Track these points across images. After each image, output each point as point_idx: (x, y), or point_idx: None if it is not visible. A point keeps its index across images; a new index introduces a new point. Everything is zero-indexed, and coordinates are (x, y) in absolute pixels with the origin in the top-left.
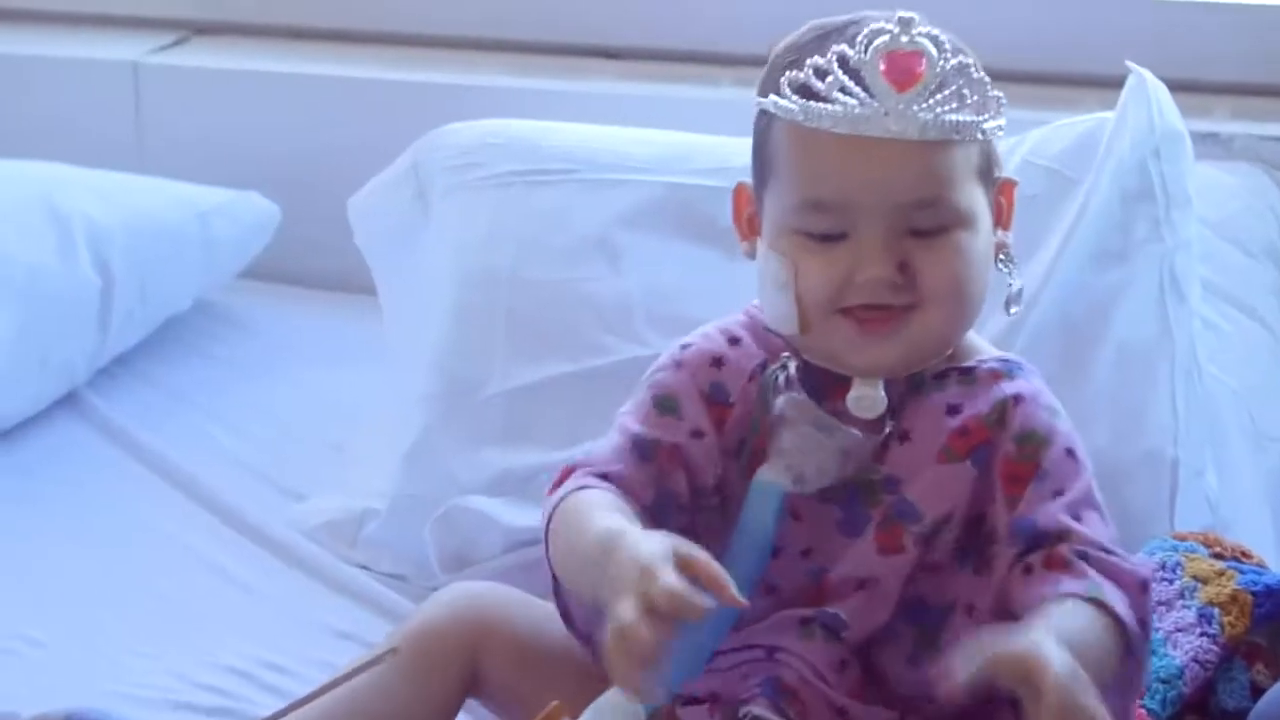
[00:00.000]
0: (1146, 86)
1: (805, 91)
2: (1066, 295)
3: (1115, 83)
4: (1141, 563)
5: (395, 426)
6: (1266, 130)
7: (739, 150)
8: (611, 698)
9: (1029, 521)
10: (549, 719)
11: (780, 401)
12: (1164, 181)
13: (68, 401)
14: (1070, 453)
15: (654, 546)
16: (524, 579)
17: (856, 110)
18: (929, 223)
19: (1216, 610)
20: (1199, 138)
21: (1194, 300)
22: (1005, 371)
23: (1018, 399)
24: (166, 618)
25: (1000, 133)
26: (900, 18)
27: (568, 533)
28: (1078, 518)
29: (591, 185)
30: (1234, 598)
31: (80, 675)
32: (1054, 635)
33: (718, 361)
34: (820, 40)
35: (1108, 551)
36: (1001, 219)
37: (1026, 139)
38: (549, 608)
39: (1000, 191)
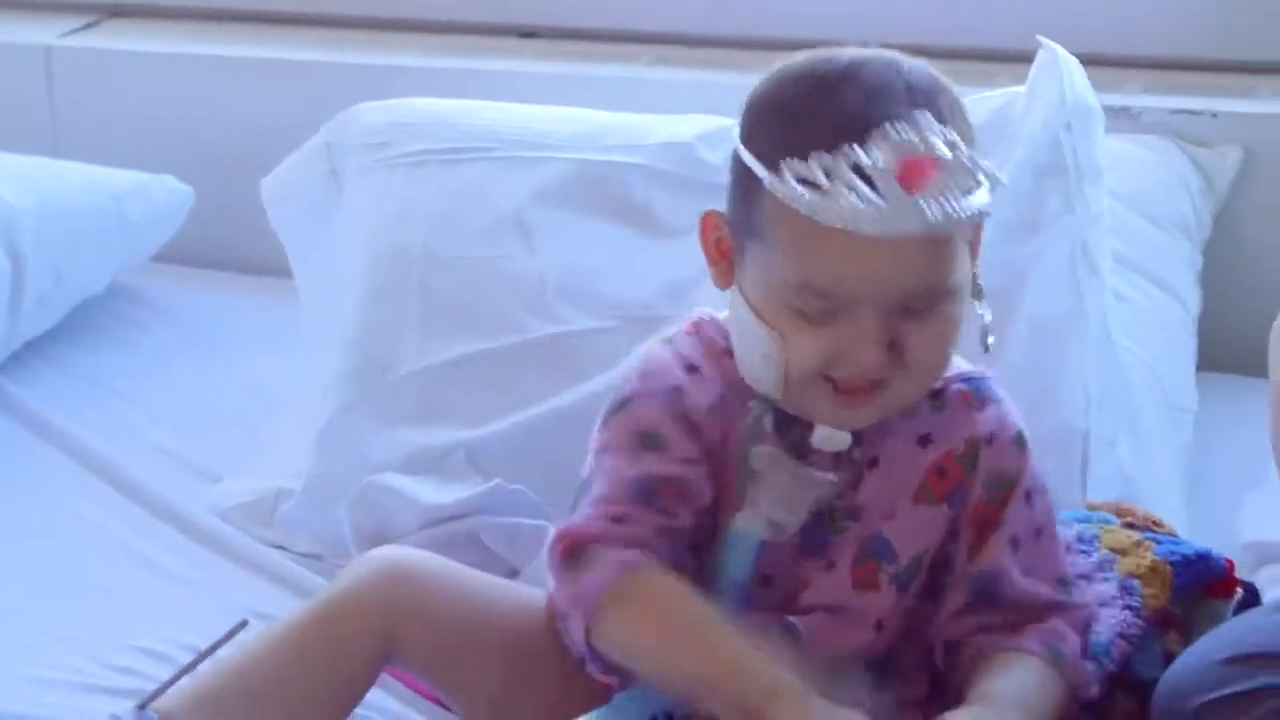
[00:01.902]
0: (1058, 60)
1: (810, 184)
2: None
3: (1027, 58)
4: (1081, 602)
5: (310, 406)
6: (1178, 104)
7: (654, 127)
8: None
9: (988, 577)
10: None
11: (757, 454)
12: (1075, 155)
13: None
14: (1029, 496)
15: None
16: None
17: (865, 211)
18: (923, 303)
19: (1137, 582)
20: (1110, 112)
21: (1106, 273)
22: (974, 394)
23: (990, 439)
24: (81, 601)
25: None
26: (916, 118)
27: (669, 619)
28: (1032, 570)
29: (505, 163)
30: (1154, 569)
31: None
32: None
33: (677, 391)
34: (822, 98)
35: (1051, 607)
36: (974, 252)
37: None
38: (479, 579)
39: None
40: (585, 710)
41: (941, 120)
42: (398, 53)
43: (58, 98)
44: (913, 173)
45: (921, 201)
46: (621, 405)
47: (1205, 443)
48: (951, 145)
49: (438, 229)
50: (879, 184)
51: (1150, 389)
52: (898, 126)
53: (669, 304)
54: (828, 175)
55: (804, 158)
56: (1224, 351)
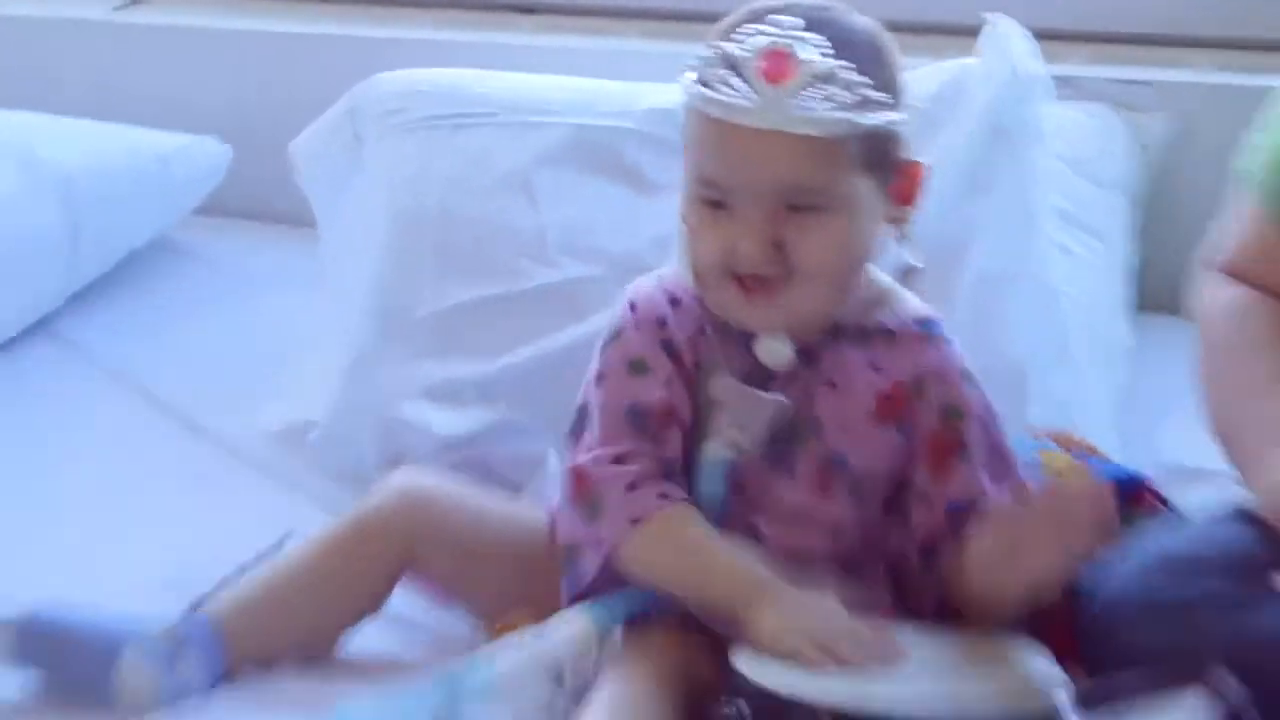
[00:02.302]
0: (1008, 34)
1: (701, 79)
2: (935, 223)
3: (979, 31)
4: None
5: (338, 344)
6: (1117, 73)
7: (643, 95)
8: (571, 620)
9: (962, 502)
10: (510, 627)
11: (715, 384)
12: (1022, 120)
13: (41, 326)
14: (981, 423)
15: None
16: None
17: (738, 101)
18: (802, 203)
19: None
20: (1056, 81)
21: (1049, 227)
22: (925, 335)
23: (938, 375)
24: (134, 515)
25: (891, 126)
26: (783, 21)
27: (682, 553)
28: (999, 482)
29: (510, 128)
30: None
31: (58, 566)
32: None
33: (662, 322)
34: (745, 23)
35: None
36: (908, 198)
37: None
38: (487, 500)
39: (902, 173)
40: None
41: (845, 47)
42: (413, 27)
43: (109, 67)
44: (772, 66)
45: (788, 98)
46: (614, 336)
47: (1144, 375)
48: (822, 51)
49: (450, 189)
50: (748, 77)
51: (1087, 332)
52: (763, 26)
53: (656, 255)
54: (709, 66)
55: (702, 61)
56: (1162, 295)
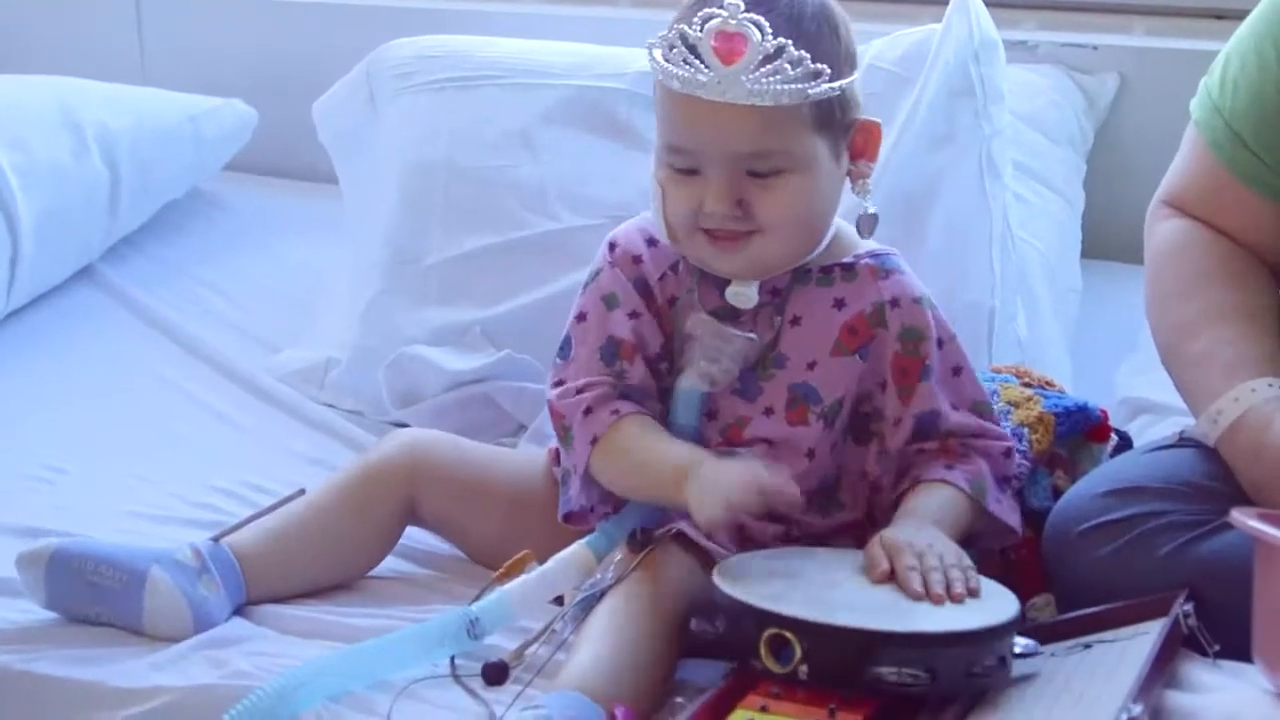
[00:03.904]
0: (968, 2)
1: (664, 57)
2: (904, 174)
3: (943, 0)
4: (1003, 434)
5: (353, 290)
6: (1066, 39)
7: (634, 59)
8: (573, 550)
9: (927, 415)
10: (518, 564)
11: (689, 321)
12: (982, 80)
13: (84, 274)
14: (940, 341)
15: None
16: (459, 413)
17: (697, 78)
18: (763, 167)
19: (1026, 430)
20: (1011, 45)
21: (1007, 178)
22: (880, 267)
23: (894, 302)
24: (167, 449)
25: (835, 93)
26: (736, 5)
27: (625, 458)
28: (956, 402)
29: (513, 88)
30: (1040, 419)
31: (96, 498)
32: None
33: (637, 260)
34: (695, 6)
35: (978, 435)
36: (866, 153)
37: (871, 47)
38: (481, 450)
39: (858, 131)
40: (569, 542)
41: (793, 24)
42: None
43: (145, 35)
44: (724, 46)
45: (741, 75)
46: (594, 275)
47: (1089, 317)
48: (761, 29)
49: (457, 144)
50: (704, 56)
51: (1043, 273)
52: (719, 10)
53: (646, 205)
54: (669, 47)
55: (663, 39)
56: (1104, 242)
